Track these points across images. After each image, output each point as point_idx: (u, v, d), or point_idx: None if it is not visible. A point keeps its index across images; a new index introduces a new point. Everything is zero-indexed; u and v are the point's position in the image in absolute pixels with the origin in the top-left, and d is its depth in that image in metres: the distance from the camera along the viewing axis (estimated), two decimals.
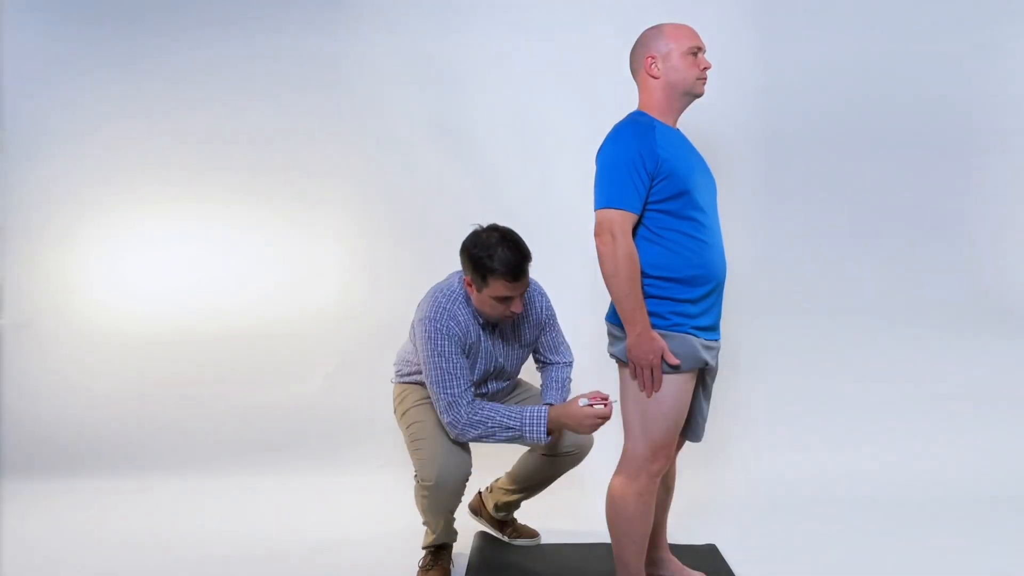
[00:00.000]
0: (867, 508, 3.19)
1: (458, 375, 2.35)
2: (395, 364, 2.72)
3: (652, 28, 2.20)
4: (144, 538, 2.98)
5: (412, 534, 2.79)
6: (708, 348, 2.16)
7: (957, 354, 3.70)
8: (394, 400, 2.70)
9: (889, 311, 3.72)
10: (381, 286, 3.86)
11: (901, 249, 3.72)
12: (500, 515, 2.90)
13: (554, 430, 2.27)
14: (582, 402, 2.11)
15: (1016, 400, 3.64)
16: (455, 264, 2.49)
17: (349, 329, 3.87)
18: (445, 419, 2.36)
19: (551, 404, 2.45)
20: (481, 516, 2.96)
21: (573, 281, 3.61)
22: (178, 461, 3.71)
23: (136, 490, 3.48)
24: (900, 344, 3.71)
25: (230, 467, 3.66)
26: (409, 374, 2.64)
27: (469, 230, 2.42)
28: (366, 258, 3.89)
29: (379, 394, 3.45)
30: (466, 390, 2.36)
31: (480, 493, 2.97)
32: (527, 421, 2.28)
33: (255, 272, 3.91)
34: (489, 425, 2.30)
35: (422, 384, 2.57)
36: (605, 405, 2.12)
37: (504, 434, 2.31)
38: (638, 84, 2.22)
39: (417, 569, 2.59)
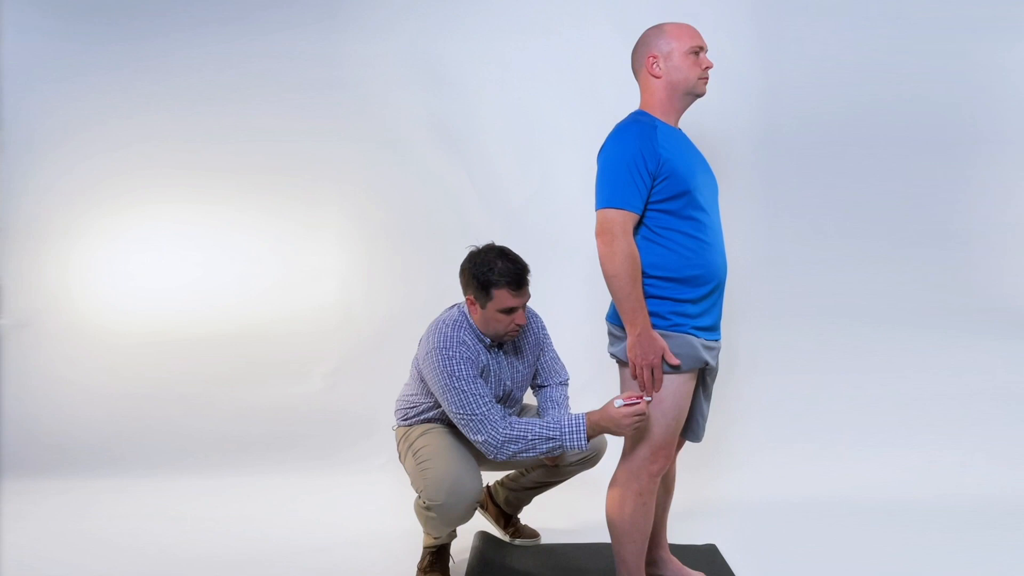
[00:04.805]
0: (866, 508, 3.18)
1: (481, 393, 2.30)
2: (396, 413, 2.67)
3: (654, 27, 2.20)
4: (144, 538, 2.98)
5: (412, 534, 2.79)
6: (708, 348, 2.16)
7: (957, 355, 3.69)
8: (398, 443, 2.64)
9: (889, 311, 3.72)
10: (381, 286, 3.86)
11: (902, 250, 3.72)
12: (510, 509, 2.90)
13: (593, 436, 2.25)
14: (617, 403, 2.09)
15: (1015, 400, 3.63)
16: (454, 263, 2.49)
17: (349, 329, 3.87)
18: (479, 439, 2.28)
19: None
20: (487, 511, 2.95)
21: (573, 281, 3.62)
22: (178, 461, 3.71)
23: (136, 490, 3.48)
24: (900, 344, 3.70)
25: (229, 467, 3.67)
26: (416, 415, 2.58)
27: (466, 245, 2.43)
28: (366, 258, 3.89)
29: (379, 394, 3.46)
30: (493, 407, 2.31)
31: (488, 487, 2.95)
32: (566, 429, 2.22)
33: (255, 272, 3.91)
34: (529, 438, 2.24)
35: (427, 421, 2.56)
36: (640, 402, 2.09)
37: (544, 445, 2.25)
38: (639, 84, 2.21)
39: (416, 569, 2.58)
